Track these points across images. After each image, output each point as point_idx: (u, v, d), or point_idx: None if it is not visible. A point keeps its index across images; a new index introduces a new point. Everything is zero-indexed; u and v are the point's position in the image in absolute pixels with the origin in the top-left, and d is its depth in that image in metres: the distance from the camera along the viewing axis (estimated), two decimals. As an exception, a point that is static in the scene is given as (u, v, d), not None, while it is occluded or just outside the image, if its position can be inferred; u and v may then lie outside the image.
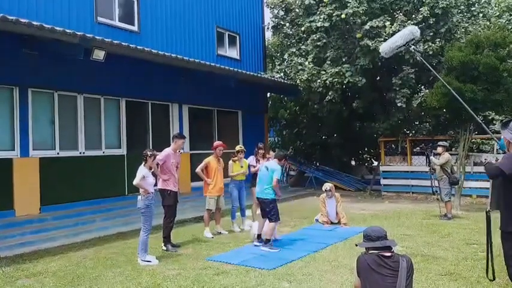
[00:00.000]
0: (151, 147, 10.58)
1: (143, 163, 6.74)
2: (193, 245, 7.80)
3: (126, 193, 10.59)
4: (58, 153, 9.54)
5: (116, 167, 10.63)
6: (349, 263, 6.05)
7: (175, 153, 7.73)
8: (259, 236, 7.61)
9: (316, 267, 6.15)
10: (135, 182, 6.62)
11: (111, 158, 10.59)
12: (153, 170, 7.00)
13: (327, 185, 9.62)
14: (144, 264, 6.47)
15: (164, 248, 7.40)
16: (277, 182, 7.34)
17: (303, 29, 14.51)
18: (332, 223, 9.33)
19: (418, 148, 15.42)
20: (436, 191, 10.30)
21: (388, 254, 3.39)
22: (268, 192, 7.37)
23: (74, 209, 9.40)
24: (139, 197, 6.66)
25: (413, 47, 6.99)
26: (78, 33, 8.35)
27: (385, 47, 6.73)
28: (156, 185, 7.19)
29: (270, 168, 7.47)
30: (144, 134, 11.71)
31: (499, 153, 13.47)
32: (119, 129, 10.96)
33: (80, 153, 9.98)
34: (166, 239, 7.47)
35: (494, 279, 4.33)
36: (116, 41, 9.17)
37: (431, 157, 10.18)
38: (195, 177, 10.13)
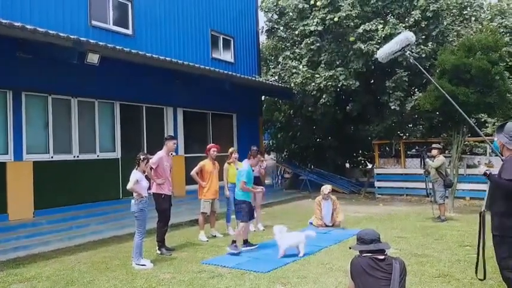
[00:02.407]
0: (145, 151, 10.60)
1: (136, 167, 6.74)
2: (188, 248, 7.80)
3: (121, 197, 10.57)
4: (52, 157, 9.51)
5: (110, 170, 10.61)
6: (344, 265, 6.06)
7: (168, 155, 7.72)
8: (245, 240, 7.60)
9: (311, 270, 6.17)
10: (128, 187, 6.62)
11: (105, 162, 10.57)
12: (146, 173, 7.00)
13: (328, 187, 9.57)
14: (138, 268, 6.46)
15: (159, 251, 7.39)
16: (244, 184, 7.36)
17: (297, 32, 14.60)
18: (326, 226, 9.35)
19: (414, 150, 15.51)
20: (430, 193, 10.36)
21: (382, 257, 3.42)
22: (237, 194, 7.53)
23: (68, 212, 9.36)
24: (133, 201, 6.65)
25: (408, 52, 7.06)
26: (72, 36, 8.35)
27: (382, 53, 6.80)
28: (150, 188, 7.18)
29: (238, 170, 7.73)
30: (138, 138, 11.70)
31: (491, 156, 13.60)
32: (113, 132, 10.94)
33: (74, 156, 9.95)
34: (161, 243, 7.46)
35: (484, 278, 4.37)
36: (110, 45, 9.17)
37: (427, 159, 10.25)
38: (189, 180, 10.12)
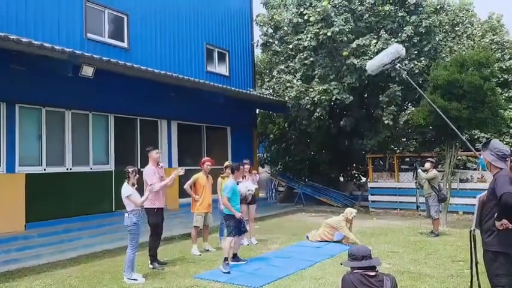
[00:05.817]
0: (139, 164, 10.58)
1: (126, 181, 6.68)
2: (181, 262, 7.74)
3: (114, 209, 10.51)
4: (45, 169, 9.46)
5: (104, 183, 10.56)
6: (336, 280, 6.02)
7: (157, 167, 7.67)
8: (234, 255, 7.54)
9: (304, 285, 6.14)
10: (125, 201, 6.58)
11: (98, 174, 10.53)
12: (136, 186, 6.90)
13: (354, 212, 9.21)
14: (130, 283, 6.40)
15: (151, 265, 7.33)
16: (226, 200, 7.28)
17: (291, 46, 14.73)
18: (326, 240, 9.18)
19: (407, 159, 15.57)
20: (419, 206, 10.35)
21: (373, 273, 3.43)
22: (224, 208, 7.49)
23: (60, 225, 9.29)
24: (126, 214, 6.61)
25: (398, 65, 7.11)
26: (67, 49, 8.38)
27: (371, 65, 6.83)
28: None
29: (223, 185, 7.82)
30: (132, 150, 11.68)
31: (485, 171, 13.65)
32: (107, 145, 10.92)
33: (67, 169, 9.91)
34: (153, 257, 7.40)
35: None
36: (105, 58, 9.20)
37: (419, 170, 10.28)
38: (183, 193, 10.09)
